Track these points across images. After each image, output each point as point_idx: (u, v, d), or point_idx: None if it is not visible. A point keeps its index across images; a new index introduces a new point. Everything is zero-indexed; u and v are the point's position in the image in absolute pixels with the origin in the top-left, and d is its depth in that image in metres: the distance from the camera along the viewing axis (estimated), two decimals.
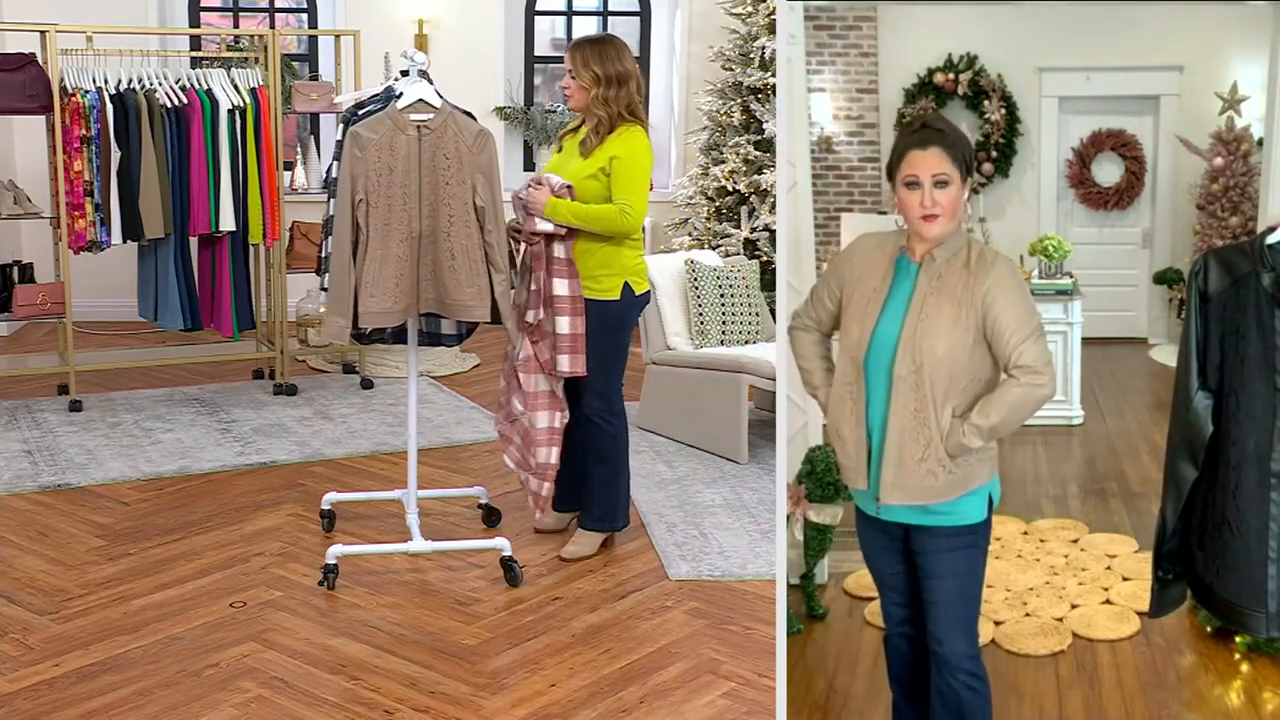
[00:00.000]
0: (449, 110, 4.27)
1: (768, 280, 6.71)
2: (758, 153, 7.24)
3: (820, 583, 3.57)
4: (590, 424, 4.59)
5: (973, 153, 2.78)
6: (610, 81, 4.39)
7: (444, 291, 4.27)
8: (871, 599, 3.31)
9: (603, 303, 4.46)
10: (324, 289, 4.32)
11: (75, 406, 6.41)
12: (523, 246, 4.46)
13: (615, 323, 4.53)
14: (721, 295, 6.12)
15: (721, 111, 7.48)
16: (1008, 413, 2.70)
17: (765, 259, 7.04)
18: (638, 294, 4.55)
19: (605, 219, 4.35)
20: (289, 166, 7.42)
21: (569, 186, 4.39)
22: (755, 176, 7.18)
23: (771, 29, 7.18)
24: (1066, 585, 3.67)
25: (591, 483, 4.68)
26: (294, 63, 8.51)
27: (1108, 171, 4.19)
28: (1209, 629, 3.43)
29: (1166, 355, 4.17)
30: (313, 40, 8.72)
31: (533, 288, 4.42)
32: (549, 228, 4.35)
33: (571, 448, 4.66)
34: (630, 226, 4.38)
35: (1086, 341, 3.96)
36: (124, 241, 6.33)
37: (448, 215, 4.24)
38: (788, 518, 3.05)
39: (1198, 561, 2.84)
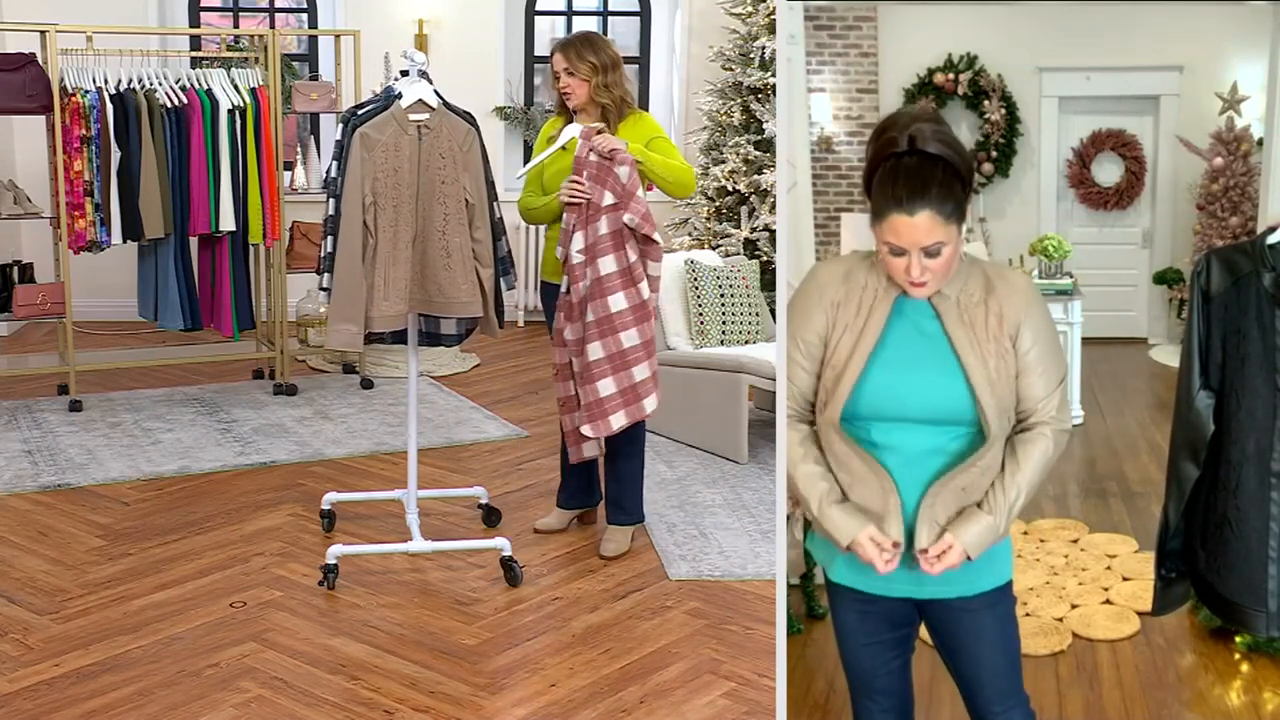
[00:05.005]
0: (443, 110, 4.29)
1: (768, 280, 6.71)
2: (758, 153, 7.24)
3: (820, 583, 3.56)
4: None
5: (971, 174, 2.32)
6: (606, 68, 4.53)
7: (437, 290, 4.29)
8: None
9: None
10: (323, 289, 4.32)
11: (75, 406, 6.41)
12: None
13: None
14: (721, 295, 6.12)
15: (721, 111, 7.48)
16: (1043, 471, 2.40)
17: (765, 259, 7.03)
18: None
19: (682, 172, 4.52)
20: (289, 166, 7.42)
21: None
22: (755, 176, 7.18)
23: (771, 29, 7.17)
24: (1066, 585, 3.66)
25: (621, 479, 4.73)
26: (294, 63, 8.51)
27: (1108, 171, 4.18)
28: (1209, 629, 3.42)
29: (1166, 355, 4.16)
30: (313, 40, 8.72)
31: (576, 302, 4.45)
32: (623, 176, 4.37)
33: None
34: (694, 185, 4.59)
35: (1086, 341, 3.96)
36: (124, 241, 6.33)
37: (443, 214, 4.26)
38: (788, 518, 3.00)
39: (1200, 561, 2.84)
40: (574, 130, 4.48)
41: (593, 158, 4.39)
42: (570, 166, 4.49)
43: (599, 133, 4.41)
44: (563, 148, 4.60)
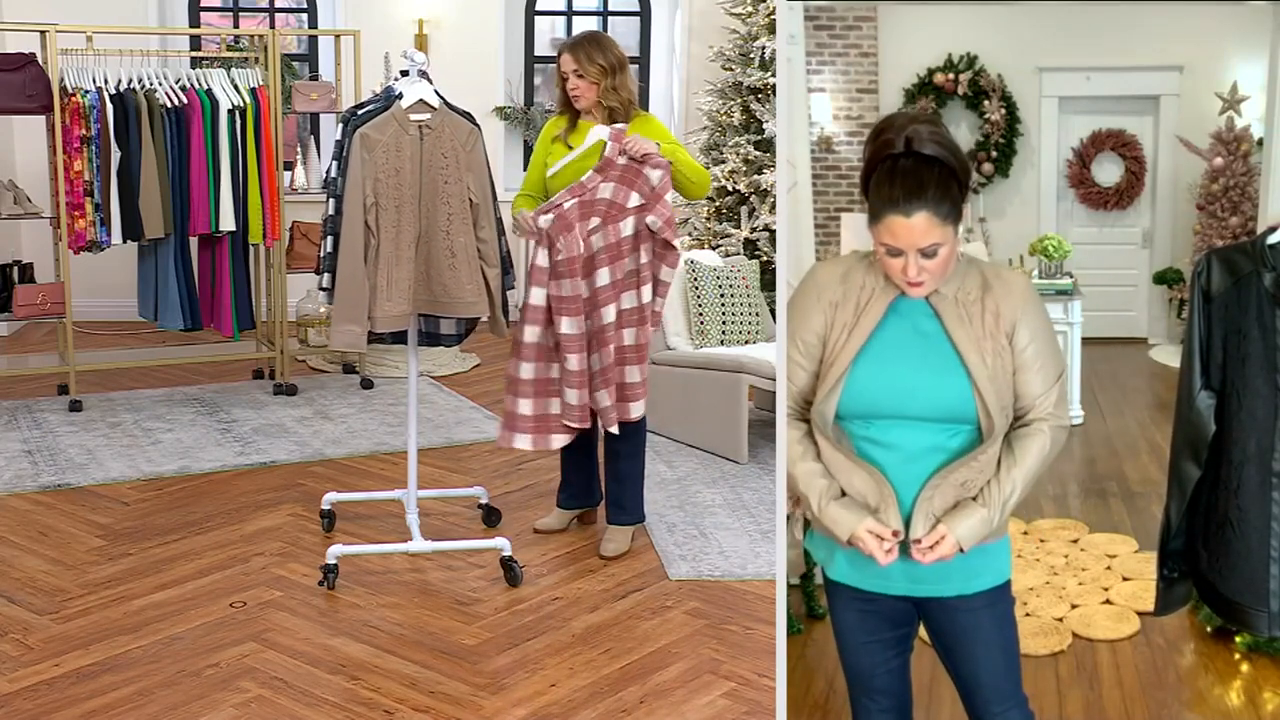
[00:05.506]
0: (445, 110, 4.29)
1: (768, 280, 6.71)
2: (758, 153, 7.24)
3: (820, 583, 3.56)
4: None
5: (968, 175, 2.33)
6: (614, 70, 4.52)
7: (442, 290, 4.29)
8: None
9: None
10: (323, 289, 4.32)
11: (75, 406, 6.41)
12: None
13: None
14: (721, 295, 6.12)
15: (721, 111, 7.48)
16: (1040, 467, 2.42)
17: (765, 259, 7.03)
18: None
19: (703, 173, 4.54)
20: (289, 166, 7.42)
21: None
22: (755, 176, 7.18)
23: (771, 29, 7.17)
24: (1066, 585, 3.66)
25: (621, 479, 4.74)
26: (294, 63, 8.51)
27: (1108, 171, 4.19)
28: (1209, 629, 3.43)
29: (1166, 355, 4.16)
30: (313, 40, 8.72)
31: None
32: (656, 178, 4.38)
33: (588, 448, 4.70)
34: (709, 187, 4.62)
35: (1086, 341, 3.96)
36: (124, 241, 6.33)
37: (446, 214, 4.26)
38: (788, 518, 3.00)
39: (1201, 561, 2.84)
40: (602, 132, 4.44)
41: (621, 160, 4.39)
42: (585, 170, 4.48)
43: (627, 135, 4.41)
44: (569, 148, 4.57)
